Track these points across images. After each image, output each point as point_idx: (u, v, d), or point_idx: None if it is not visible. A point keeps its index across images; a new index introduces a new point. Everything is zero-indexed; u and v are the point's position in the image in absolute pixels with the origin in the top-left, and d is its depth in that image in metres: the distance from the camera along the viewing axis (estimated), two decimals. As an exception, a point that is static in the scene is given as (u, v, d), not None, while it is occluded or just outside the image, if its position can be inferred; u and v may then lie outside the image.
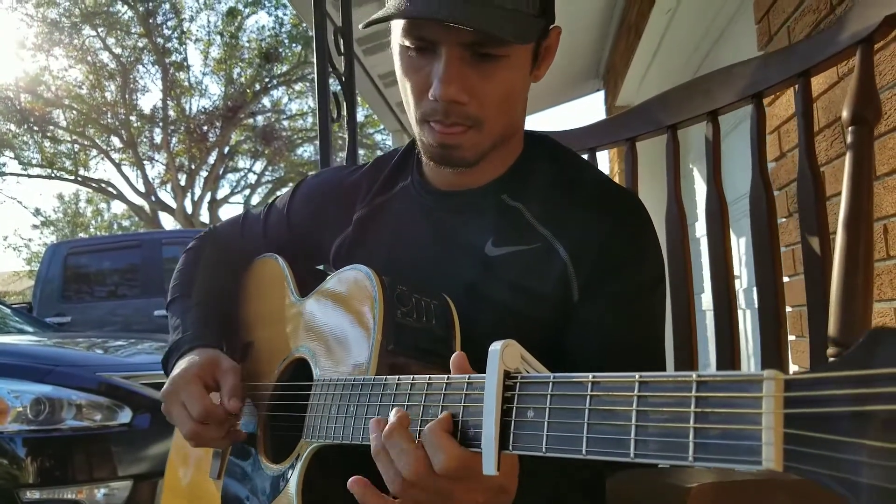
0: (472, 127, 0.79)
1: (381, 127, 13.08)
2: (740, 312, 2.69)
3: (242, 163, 18.26)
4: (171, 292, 1.06)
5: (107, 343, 3.53)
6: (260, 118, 16.71)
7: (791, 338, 1.66)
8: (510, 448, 0.49)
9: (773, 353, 1.06)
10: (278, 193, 1.26)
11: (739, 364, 1.15)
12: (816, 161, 1.01)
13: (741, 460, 0.36)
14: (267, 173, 18.57)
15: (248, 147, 17.45)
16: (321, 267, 1.08)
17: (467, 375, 0.56)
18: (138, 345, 3.49)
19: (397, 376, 0.64)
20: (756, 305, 1.08)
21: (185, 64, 15.65)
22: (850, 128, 0.91)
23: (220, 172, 16.89)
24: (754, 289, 1.10)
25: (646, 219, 0.88)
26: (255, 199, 18.42)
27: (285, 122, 17.56)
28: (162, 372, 0.95)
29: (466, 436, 0.54)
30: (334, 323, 0.79)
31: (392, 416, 0.58)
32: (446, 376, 0.58)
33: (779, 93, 1.23)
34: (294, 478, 0.75)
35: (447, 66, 0.75)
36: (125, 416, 2.67)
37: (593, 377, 0.45)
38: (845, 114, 0.92)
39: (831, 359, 0.88)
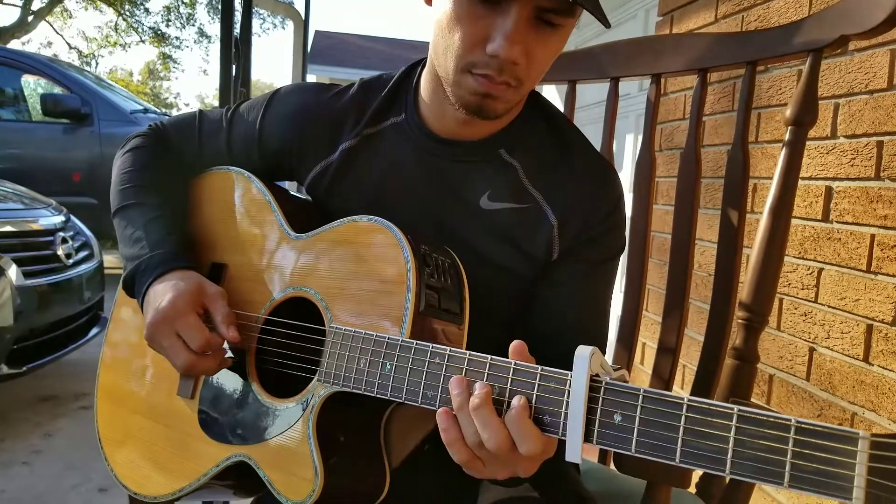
0: (513, 86, 0.81)
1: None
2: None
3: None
4: (120, 197, 0.98)
5: None
6: None
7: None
8: (594, 442, 0.58)
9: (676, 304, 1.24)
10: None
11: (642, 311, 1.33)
12: (748, 146, 1.15)
13: (832, 494, 0.48)
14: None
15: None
16: (289, 185, 1.05)
17: (539, 367, 0.63)
18: None
19: (448, 347, 0.69)
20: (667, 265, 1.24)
21: None
22: (789, 127, 1.05)
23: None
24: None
25: (621, 192, 0.97)
26: None
27: None
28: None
29: (541, 422, 0.62)
30: (356, 275, 0.81)
31: (478, 388, 0.64)
32: (512, 361, 0.65)
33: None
34: (309, 416, 0.78)
35: (516, 25, 0.76)
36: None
37: (688, 401, 0.54)
38: (788, 113, 1.05)
39: (739, 321, 1.06)
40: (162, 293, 0.86)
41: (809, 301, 1.47)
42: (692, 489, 1.13)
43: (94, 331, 2.91)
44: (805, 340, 1.48)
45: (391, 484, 0.81)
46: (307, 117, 0.98)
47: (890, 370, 1.24)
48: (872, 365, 1.28)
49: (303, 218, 0.93)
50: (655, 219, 1.85)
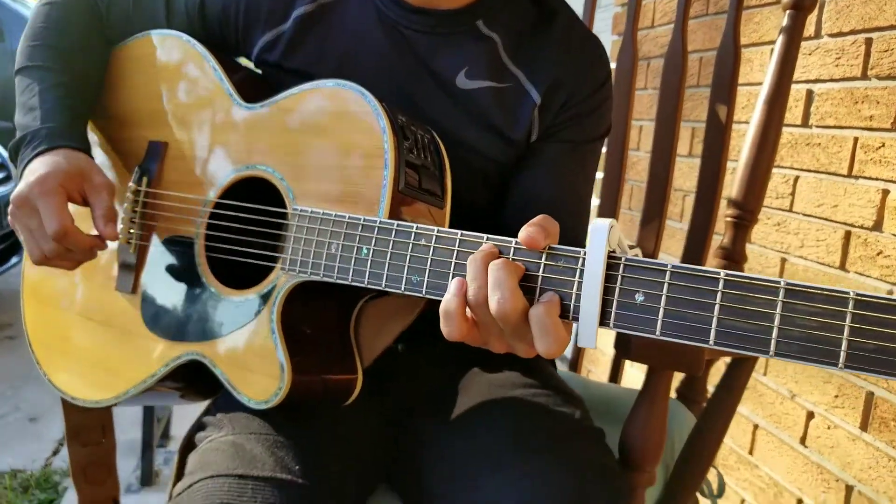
0: None
1: None
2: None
3: None
4: (25, 54, 0.84)
5: None
6: None
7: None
8: (611, 325, 0.51)
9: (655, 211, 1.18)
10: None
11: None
12: (739, 38, 1.07)
13: (894, 373, 0.41)
14: None
15: None
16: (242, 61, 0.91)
17: (545, 245, 0.55)
18: None
19: (435, 227, 0.60)
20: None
21: None
22: (787, 11, 0.97)
23: None
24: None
25: (609, 71, 0.88)
26: None
27: None
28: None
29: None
30: (322, 149, 0.70)
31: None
32: (512, 240, 0.56)
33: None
34: (272, 308, 0.69)
35: None
36: None
37: (726, 275, 0.47)
38: (786, -5, 0.97)
39: (728, 219, 1.00)
40: (37, 170, 0.74)
41: (783, 210, 1.44)
42: (672, 394, 1.10)
43: (14, 259, 2.72)
44: (776, 251, 1.45)
45: (362, 384, 0.73)
46: None
47: (867, 276, 1.21)
48: (849, 272, 1.26)
49: (254, 89, 0.80)
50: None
